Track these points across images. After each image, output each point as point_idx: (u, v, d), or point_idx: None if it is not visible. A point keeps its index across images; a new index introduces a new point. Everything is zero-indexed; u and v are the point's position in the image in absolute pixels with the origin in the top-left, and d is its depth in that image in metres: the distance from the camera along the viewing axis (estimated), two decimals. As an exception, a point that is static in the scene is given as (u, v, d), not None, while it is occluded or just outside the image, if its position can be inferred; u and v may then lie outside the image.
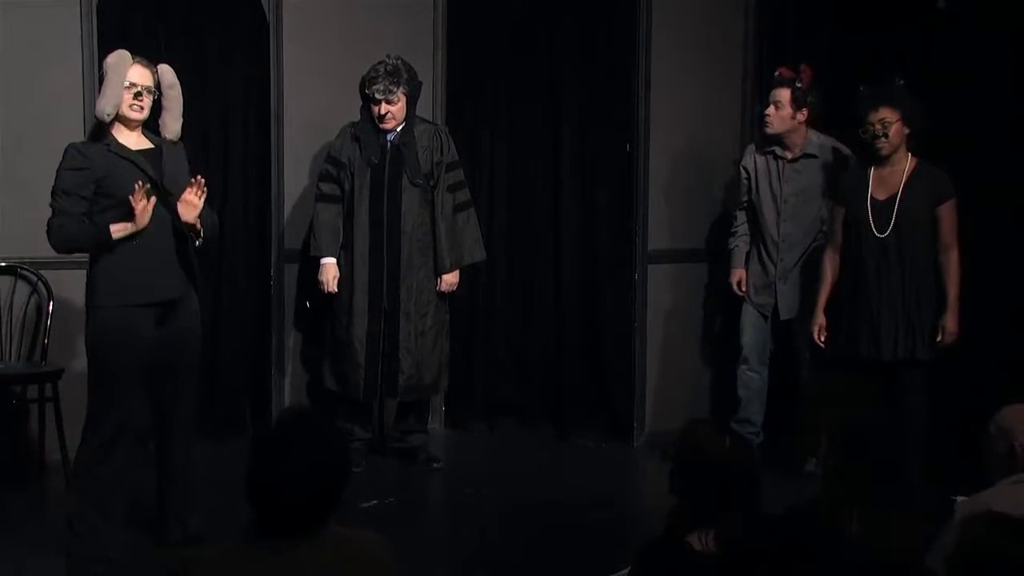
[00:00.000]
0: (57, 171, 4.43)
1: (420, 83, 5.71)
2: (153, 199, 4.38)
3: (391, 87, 5.54)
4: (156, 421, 4.66)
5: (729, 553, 2.78)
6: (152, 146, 4.55)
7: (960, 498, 3.38)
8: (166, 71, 4.57)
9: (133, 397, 4.48)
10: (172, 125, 4.57)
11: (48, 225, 4.43)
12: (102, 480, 4.45)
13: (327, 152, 5.82)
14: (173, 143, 4.61)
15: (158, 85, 4.53)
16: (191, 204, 4.48)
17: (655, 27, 6.28)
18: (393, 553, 2.62)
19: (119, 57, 4.48)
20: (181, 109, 4.59)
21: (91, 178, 4.40)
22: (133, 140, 4.53)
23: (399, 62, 5.59)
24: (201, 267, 4.76)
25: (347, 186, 5.68)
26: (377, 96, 5.56)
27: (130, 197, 4.34)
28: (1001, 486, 3.26)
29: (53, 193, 4.42)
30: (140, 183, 4.36)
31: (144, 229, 4.39)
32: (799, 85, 5.58)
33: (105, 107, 4.43)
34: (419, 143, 5.67)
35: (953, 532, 2.77)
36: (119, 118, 4.49)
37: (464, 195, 5.81)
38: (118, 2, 5.87)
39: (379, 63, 5.58)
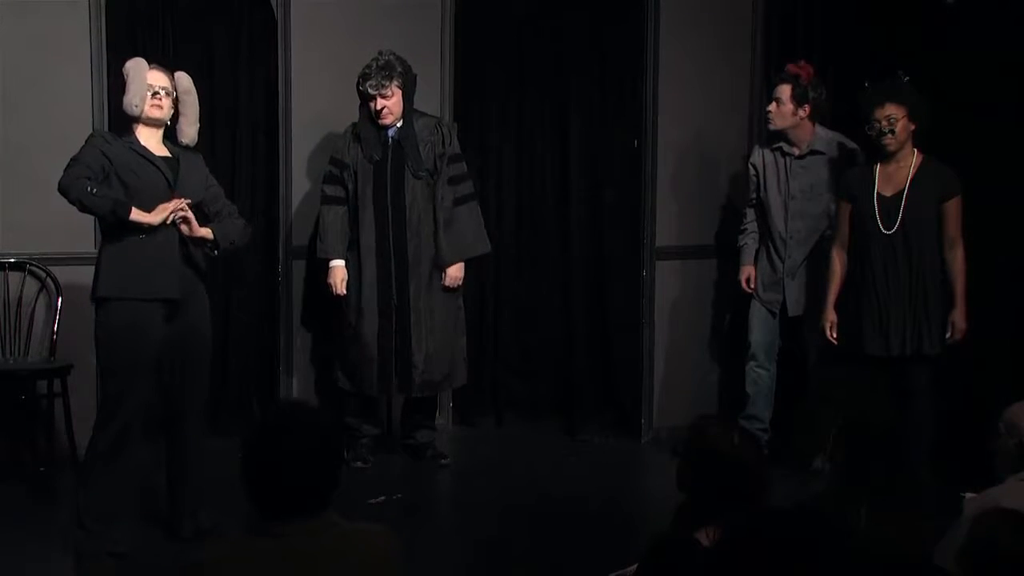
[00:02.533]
0: (80, 149, 4.51)
1: (415, 76, 5.71)
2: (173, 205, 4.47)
3: (383, 81, 5.56)
4: (167, 417, 4.68)
5: (737, 549, 2.78)
6: (171, 155, 4.64)
7: (968, 494, 3.38)
8: (183, 77, 4.67)
9: (143, 393, 4.51)
10: (188, 130, 4.68)
11: (66, 174, 4.42)
12: (112, 475, 4.47)
13: (330, 155, 5.83)
14: (192, 154, 4.70)
15: (175, 89, 4.63)
16: (185, 219, 4.52)
17: (663, 24, 6.28)
18: (400, 546, 2.63)
19: (137, 62, 4.60)
20: (198, 114, 4.70)
21: (109, 166, 4.47)
22: (154, 146, 4.60)
23: (391, 56, 5.61)
24: (211, 265, 4.79)
25: (351, 187, 5.69)
26: (371, 91, 5.58)
27: (172, 202, 4.46)
28: (1010, 482, 3.26)
29: (74, 160, 4.46)
30: (184, 201, 4.49)
31: (155, 228, 4.44)
32: (800, 81, 5.57)
33: (132, 99, 4.52)
34: (420, 136, 5.68)
35: (963, 529, 2.77)
36: (141, 119, 4.56)
37: (466, 188, 5.81)
38: (126, 1, 5.89)
39: (372, 60, 5.61)
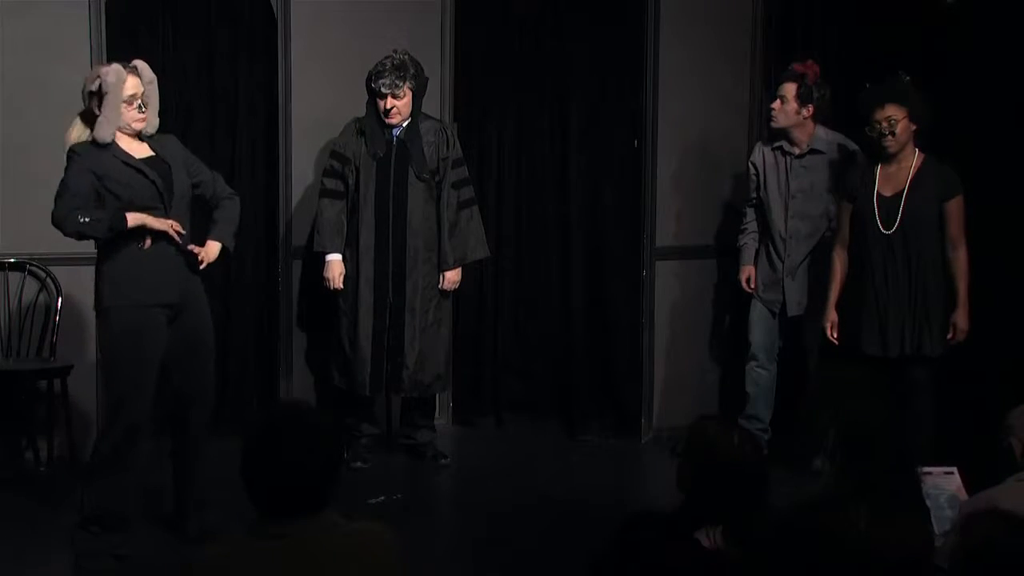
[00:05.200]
0: (66, 170, 4.47)
1: (426, 78, 5.72)
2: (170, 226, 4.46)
3: (397, 81, 5.55)
4: (172, 418, 4.69)
5: (737, 550, 2.78)
6: (153, 154, 4.58)
7: (963, 496, 3.39)
8: (145, 68, 4.58)
9: (147, 395, 4.51)
10: (151, 119, 4.60)
11: (58, 207, 4.40)
12: (116, 477, 4.48)
13: (331, 148, 5.83)
14: (169, 143, 4.67)
15: (144, 84, 4.55)
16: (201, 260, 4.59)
17: (663, 23, 6.28)
18: (400, 546, 2.64)
19: (116, 75, 4.47)
20: (158, 103, 4.62)
21: (98, 183, 4.44)
22: (135, 147, 4.56)
23: (406, 57, 5.61)
24: (209, 265, 4.79)
25: (351, 181, 5.69)
26: (383, 90, 5.57)
27: (168, 222, 4.45)
28: (1008, 483, 3.26)
29: (64, 182, 4.43)
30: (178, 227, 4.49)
31: (152, 231, 4.44)
32: (805, 80, 5.58)
33: (107, 135, 4.44)
34: (425, 139, 5.68)
35: (958, 530, 2.77)
36: (125, 131, 4.53)
37: (468, 192, 5.82)
38: (126, 1, 5.88)
39: (386, 57, 5.59)
